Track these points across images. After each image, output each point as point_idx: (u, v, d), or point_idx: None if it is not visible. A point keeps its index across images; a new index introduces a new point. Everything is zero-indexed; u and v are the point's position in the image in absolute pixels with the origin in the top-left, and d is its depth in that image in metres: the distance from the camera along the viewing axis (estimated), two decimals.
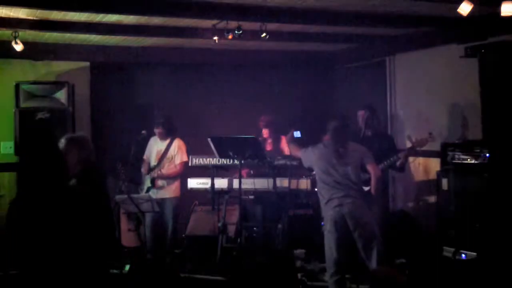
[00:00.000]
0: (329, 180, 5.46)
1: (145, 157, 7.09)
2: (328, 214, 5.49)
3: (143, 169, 7.03)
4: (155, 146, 6.99)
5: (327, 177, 5.48)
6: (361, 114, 6.56)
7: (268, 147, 7.22)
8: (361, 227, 5.35)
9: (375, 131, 6.52)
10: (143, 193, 6.79)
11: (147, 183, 6.93)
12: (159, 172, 6.88)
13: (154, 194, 6.79)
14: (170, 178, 6.91)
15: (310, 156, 5.73)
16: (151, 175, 6.91)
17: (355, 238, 5.35)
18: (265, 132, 7.26)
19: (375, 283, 4.46)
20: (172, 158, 6.90)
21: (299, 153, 5.95)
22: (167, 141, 6.97)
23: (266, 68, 8.41)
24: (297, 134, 6.55)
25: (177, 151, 6.92)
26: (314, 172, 5.96)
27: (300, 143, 6.20)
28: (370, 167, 5.54)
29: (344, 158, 5.48)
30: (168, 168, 6.88)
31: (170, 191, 6.92)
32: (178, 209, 7.00)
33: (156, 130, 6.94)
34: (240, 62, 8.25)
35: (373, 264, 5.27)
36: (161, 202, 6.68)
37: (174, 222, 6.92)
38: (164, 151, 6.92)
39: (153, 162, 6.96)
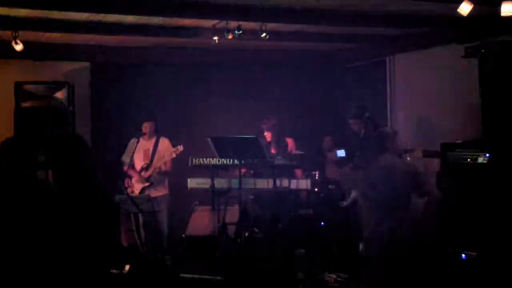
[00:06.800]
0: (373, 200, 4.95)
1: (126, 160, 7.03)
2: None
3: (132, 172, 7.01)
4: (141, 147, 6.99)
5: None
6: (353, 122, 6.57)
7: (272, 150, 7.19)
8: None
9: (368, 132, 6.44)
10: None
11: (139, 184, 6.93)
12: (157, 168, 6.90)
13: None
14: (166, 174, 7.02)
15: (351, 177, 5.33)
16: (144, 174, 6.92)
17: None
18: (268, 136, 7.22)
19: None
20: (163, 154, 6.93)
21: (336, 174, 5.47)
22: (153, 139, 7.02)
23: (266, 68, 8.41)
24: (341, 153, 6.16)
25: (166, 148, 6.99)
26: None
27: (343, 163, 5.81)
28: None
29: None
30: (162, 165, 6.94)
31: (163, 188, 7.04)
32: (172, 206, 7.12)
33: (148, 124, 6.94)
34: (240, 62, 8.24)
35: None
36: (154, 200, 6.69)
37: (169, 220, 7.03)
38: (153, 149, 6.97)
39: (142, 162, 6.98)
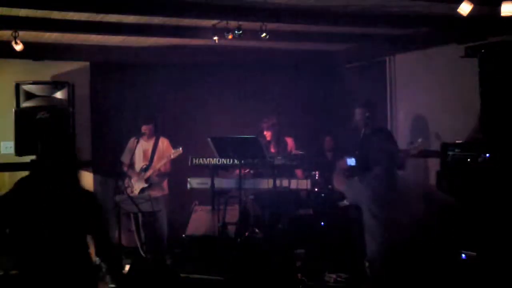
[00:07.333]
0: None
1: (126, 160, 7.03)
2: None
3: (131, 172, 7.01)
4: (140, 147, 6.99)
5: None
6: (359, 112, 6.51)
7: (272, 149, 7.19)
8: None
9: (374, 128, 6.37)
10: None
11: (139, 184, 6.93)
12: (156, 169, 6.90)
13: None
14: (165, 175, 7.03)
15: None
16: (143, 175, 6.92)
17: None
18: (268, 135, 7.22)
19: None
20: (162, 155, 6.93)
21: (343, 186, 4.85)
22: (153, 140, 7.02)
23: (266, 68, 8.41)
24: (351, 161, 5.74)
25: (166, 149, 6.99)
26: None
27: (352, 172, 5.47)
28: None
29: None
30: (161, 166, 6.93)
31: (162, 189, 7.05)
32: (171, 206, 7.15)
33: (147, 127, 6.94)
34: (240, 62, 8.24)
35: None
36: (154, 200, 6.69)
37: (168, 220, 7.06)
38: (152, 150, 6.97)
39: (141, 163, 6.97)
